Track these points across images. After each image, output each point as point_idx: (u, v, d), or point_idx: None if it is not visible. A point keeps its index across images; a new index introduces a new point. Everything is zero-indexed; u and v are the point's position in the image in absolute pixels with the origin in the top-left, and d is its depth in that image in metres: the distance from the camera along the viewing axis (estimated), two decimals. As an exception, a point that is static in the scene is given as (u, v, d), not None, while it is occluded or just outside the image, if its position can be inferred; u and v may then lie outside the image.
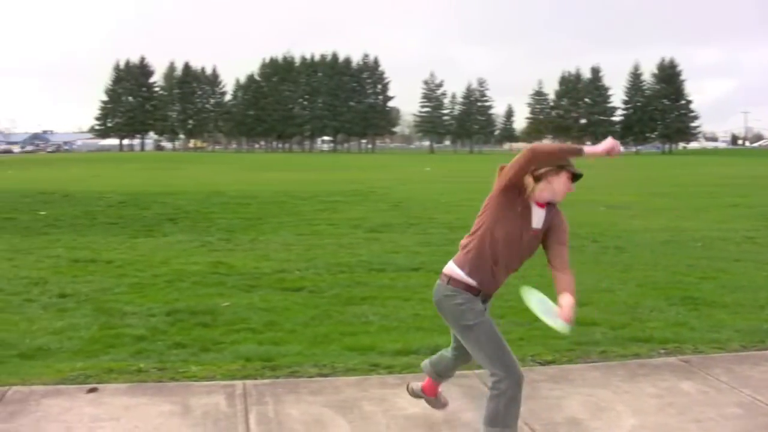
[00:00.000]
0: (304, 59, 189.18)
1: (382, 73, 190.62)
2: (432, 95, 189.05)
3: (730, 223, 22.09)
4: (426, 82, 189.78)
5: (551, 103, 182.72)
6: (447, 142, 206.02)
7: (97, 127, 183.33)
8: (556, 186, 5.30)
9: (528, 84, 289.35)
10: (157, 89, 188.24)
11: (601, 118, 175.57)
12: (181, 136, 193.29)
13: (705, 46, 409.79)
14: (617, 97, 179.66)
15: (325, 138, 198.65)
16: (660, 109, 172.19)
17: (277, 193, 32.48)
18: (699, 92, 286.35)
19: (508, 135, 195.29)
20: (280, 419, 6.30)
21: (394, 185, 39.61)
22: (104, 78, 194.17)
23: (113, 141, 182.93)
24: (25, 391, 6.84)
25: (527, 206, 5.29)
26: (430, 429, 6.23)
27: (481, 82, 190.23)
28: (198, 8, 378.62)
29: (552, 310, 5.22)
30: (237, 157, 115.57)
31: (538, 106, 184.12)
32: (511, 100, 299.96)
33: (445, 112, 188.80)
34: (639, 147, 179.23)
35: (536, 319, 9.76)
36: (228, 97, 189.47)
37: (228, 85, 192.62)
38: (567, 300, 5.18)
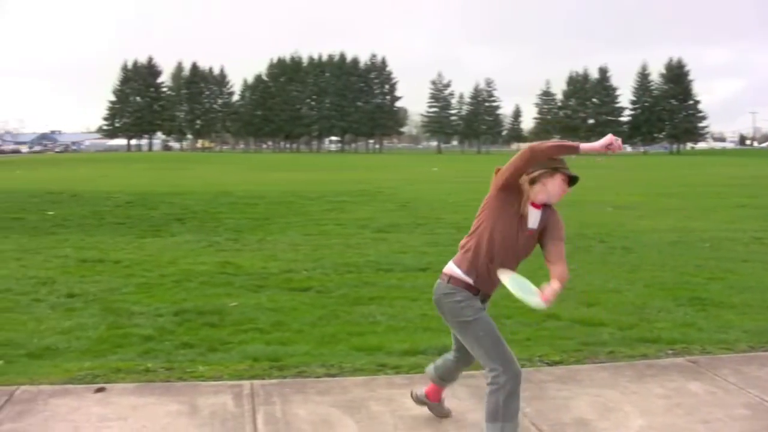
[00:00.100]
0: (311, 59, 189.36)
1: (390, 73, 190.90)
2: (440, 95, 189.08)
3: (738, 223, 22.04)
4: (434, 82, 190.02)
5: (559, 104, 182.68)
6: (454, 143, 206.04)
7: (105, 128, 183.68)
8: (551, 188, 5.37)
9: (536, 84, 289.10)
10: (164, 89, 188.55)
11: (609, 118, 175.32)
12: (189, 136, 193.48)
13: (713, 46, 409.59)
14: (625, 97, 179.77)
15: (333, 138, 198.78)
16: (668, 109, 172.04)
17: (284, 194, 32.49)
18: (707, 92, 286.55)
19: (516, 135, 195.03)
20: (287, 419, 6.30)
21: (402, 185, 39.60)
22: (112, 78, 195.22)
23: (121, 141, 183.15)
24: (33, 391, 6.85)
25: (524, 207, 5.36)
26: (437, 429, 6.23)
27: (488, 83, 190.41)
28: (206, 8, 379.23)
29: (530, 289, 5.27)
30: (245, 158, 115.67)
31: (545, 107, 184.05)
32: (519, 101, 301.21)
33: (452, 112, 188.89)
34: (647, 147, 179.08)
35: (544, 320, 9.80)
36: (236, 98, 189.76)
37: (236, 85, 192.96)
38: (553, 284, 5.24)
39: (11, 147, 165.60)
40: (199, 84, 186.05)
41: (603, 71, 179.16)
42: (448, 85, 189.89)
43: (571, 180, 5.45)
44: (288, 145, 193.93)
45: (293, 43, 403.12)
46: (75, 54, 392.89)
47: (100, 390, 6.89)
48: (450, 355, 6.08)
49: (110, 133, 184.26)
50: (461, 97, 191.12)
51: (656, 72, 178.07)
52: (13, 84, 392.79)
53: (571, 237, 17.60)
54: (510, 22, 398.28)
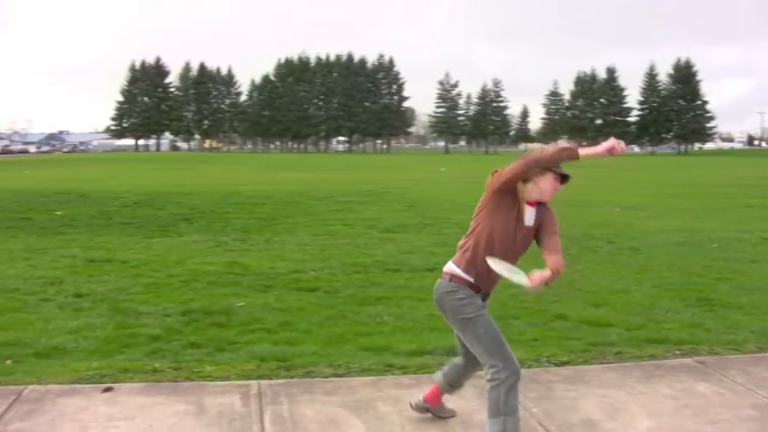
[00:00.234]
0: (319, 59, 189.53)
1: (398, 73, 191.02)
2: (447, 96, 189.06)
3: (746, 224, 22.01)
4: (441, 83, 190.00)
5: (566, 104, 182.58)
6: (462, 143, 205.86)
7: (112, 128, 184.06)
8: (543, 186, 5.48)
9: (543, 84, 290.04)
10: (172, 90, 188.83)
11: (617, 118, 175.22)
12: (197, 136, 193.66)
13: (721, 46, 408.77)
14: (633, 97, 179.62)
15: (341, 138, 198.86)
16: (676, 109, 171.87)
17: (292, 194, 32.51)
18: (715, 92, 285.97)
19: (524, 135, 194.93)
20: (294, 419, 6.30)
21: (409, 185, 39.61)
22: (120, 78, 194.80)
23: (129, 141, 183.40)
24: (41, 390, 6.86)
25: (519, 205, 5.50)
26: (444, 429, 6.23)
27: (496, 83, 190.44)
28: (213, 9, 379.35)
29: (518, 271, 5.39)
30: (252, 158, 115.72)
31: (553, 107, 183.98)
32: (527, 101, 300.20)
33: (460, 112, 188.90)
34: (654, 148, 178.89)
35: (551, 320, 9.79)
36: (243, 98, 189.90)
37: (243, 85, 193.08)
38: (545, 272, 5.34)
39: (19, 147, 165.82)
40: (207, 84, 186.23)
41: (611, 71, 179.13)
42: (455, 86, 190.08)
43: (563, 178, 5.55)
44: (295, 145, 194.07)
45: (301, 43, 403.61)
46: (83, 54, 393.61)
47: (107, 390, 6.90)
48: (458, 360, 6.11)
49: (118, 134, 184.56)
50: (469, 97, 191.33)
51: (664, 72, 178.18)
52: (22, 84, 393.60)
53: (579, 237, 17.62)
54: (517, 23, 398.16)
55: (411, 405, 6.41)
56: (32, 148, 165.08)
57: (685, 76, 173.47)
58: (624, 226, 20.97)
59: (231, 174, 54.30)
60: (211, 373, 7.54)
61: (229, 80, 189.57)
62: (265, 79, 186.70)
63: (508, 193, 5.46)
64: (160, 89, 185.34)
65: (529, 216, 5.56)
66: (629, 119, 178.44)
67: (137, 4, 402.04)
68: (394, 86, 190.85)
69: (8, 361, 7.89)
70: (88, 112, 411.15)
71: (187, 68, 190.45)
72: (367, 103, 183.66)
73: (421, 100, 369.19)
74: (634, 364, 8.04)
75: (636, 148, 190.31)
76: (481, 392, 6.59)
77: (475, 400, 6.67)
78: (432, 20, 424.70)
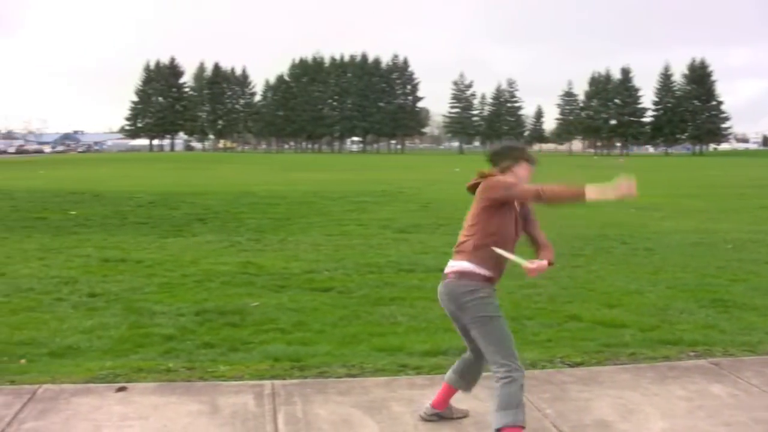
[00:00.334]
0: (333, 60, 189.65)
1: (412, 73, 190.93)
2: (461, 96, 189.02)
3: (762, 225, 21.95)
4: (455, 83, 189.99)
5: (581, 104, 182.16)
6: (476, 143, 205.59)
7: (127, 128, 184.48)
8: (520, 173, 5.92)
9: (558, 85, 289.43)
10: (187, 90, 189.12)
11: (631, 119, 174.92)
12: (211, 136, 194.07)
13: (737, 46, 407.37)
14: (647, 98, 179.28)
15: (355, 138, 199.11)
16: (690, 110, 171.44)
17: (306, 194, 32.53)
18: (730, 93, 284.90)
19: (538, 136, 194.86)
20: (308, 419, 6.30)
21: (423, 186, 39.59)
22: (134, 78, 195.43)
23: (143, 141, 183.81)
24: (55, 390, 6.88)
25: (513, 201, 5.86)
26: (458, 430, 6.22)
27: (510, 83, 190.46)
28: (228, 9, 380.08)
29: (522, 258, 5.73)
30: (266, 158, 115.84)
31: (567, 107, 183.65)
32: (541, 101, 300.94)
33: (474, 112, 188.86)
34: (669, 148, 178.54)
35: (565, 321, 9.79)
36: (258, 98, 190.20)
37: (258, 85, 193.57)
38: (544, 262, 5.79)
39: (34, 147, 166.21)
40: (221, 84, 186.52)
41: (625, 72, 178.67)
42: (470, 86, 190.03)
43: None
44: (310, 146, 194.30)
45: (315, 43, 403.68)
46: (98, 54, 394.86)
47: (121, 389, 6.92)
48: (468, 354, 6.18)
49: (132, 134, 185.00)
50: (483, 97, 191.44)
51: (679, 73, 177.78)
52: (37, 84, 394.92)
53: (594, 238, 17.62)
54: (532, 23, 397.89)
55: (422, 417, 6.38)
56: (47, 148, 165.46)
57: (700, 76, 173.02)
58: (638, 226, 20.93)
59: (245, 174, 54.35)
60: (225, 373, 7.55)
61: (243, 80, 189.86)
62: (280, 79, 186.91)
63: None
64: (174, 89, 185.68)
65: (516, 204, 5.90)
66: (644, 120, 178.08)
67: (152, 4, 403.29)
68: (409, 86, 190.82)
69: (23, 361, 7.92)
70: (103, 112, 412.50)
71: (201, 68, 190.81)
72: (381, 104, 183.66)
73: (435, 101, 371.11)
74: (648, 365, 8.02)
75: (650, 149, 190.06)
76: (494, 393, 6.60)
77: (489, 400, 6.66)
78: (446, 20, 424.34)
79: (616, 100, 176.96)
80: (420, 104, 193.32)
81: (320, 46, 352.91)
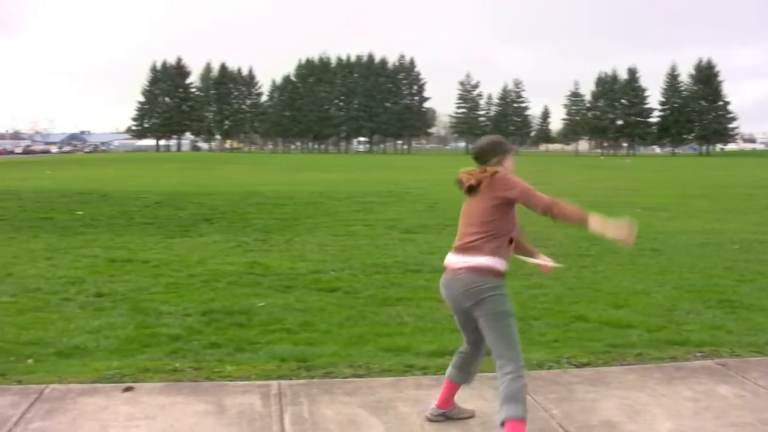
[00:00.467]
0: (340, 60, 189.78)
1: (418, 74, 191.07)
2: (468, 96, 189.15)
3: (769, 225, 21.90)
4: (462, 83, 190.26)
5: (587, 104, 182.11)
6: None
7: (133, 128, 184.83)
8: (508, 166, 6.06)
9: (564, 85, 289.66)
10: (193, 90, 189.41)
11: (638, 119, 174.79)
12: (218, 136, 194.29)
13: (744, 46, 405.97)
14: (654, 98, 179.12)
15: (361, 139, 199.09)
16: (697, 110, 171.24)
17: (312, 194, 32.53)
18: (737, 93, 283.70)
19: (545, 136, 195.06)
20: (314, 419, 6.31)
21: (430, 186, 39.56)
22: (141, 79, 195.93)
23: (150, 141, 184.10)
24: (62, 389, 6.89)
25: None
26: (464, 430, 6.22)
27: (517, 83, 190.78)
28: (234, 9, 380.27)
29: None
30: (273, 158, 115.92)
31: (574, 108, 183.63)
32: (547, 101, 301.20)
33: (481, 113, 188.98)
34: (675, 148, 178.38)
35: (572, 322, 9.77)
36: (264, 98, 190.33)
37: (264, 85, 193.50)
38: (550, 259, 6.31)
39: (41, 147, 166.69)
40: (228, 85, 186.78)
41: (632, 72, 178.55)
42: (476, 86, 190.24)
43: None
44: (316, 146, 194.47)
45: (321, 43, 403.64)
46: (105, 55, 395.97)
47: (128, 389, 6.92)
48: (464, 347, 6.27)
49: (139, 134, 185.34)
50: (489, 97, 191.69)
51: (686, 73, 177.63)
52: (44, 84, 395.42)
53: (600, 238, 17.51)
54: (538, 23, 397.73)
55: (428, 418, 6.39)
56: (54, 148, 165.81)
57: (706, 76, 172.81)
58: (645, 227, 20.86)
59: (252, 174, 54.38)
60: (232, 373, 7.56)
61: (250, 81, 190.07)
62: (286, 79, 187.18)
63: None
64: (181, 89, 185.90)
65: None
66: (650, 120, 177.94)
67: (159, 4, 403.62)
68: (415, 87, 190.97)
69: (30, 361, 7.93)
70: (110, 112, 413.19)
71: (208, 69, 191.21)
72: (387, 104, 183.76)
73: (441, 101, 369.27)
74: (654, 366, 8.01)
75: (657, 149, 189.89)
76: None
77: (495, 400, 6.66)
78: (453, 21, 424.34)
79: (623, 101, 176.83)
80: (426, 104, 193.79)
81: (327, 46, 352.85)
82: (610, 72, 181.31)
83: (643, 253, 16.02)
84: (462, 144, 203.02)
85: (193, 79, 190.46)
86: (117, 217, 22.46)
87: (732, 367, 7.93)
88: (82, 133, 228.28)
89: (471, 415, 6.42)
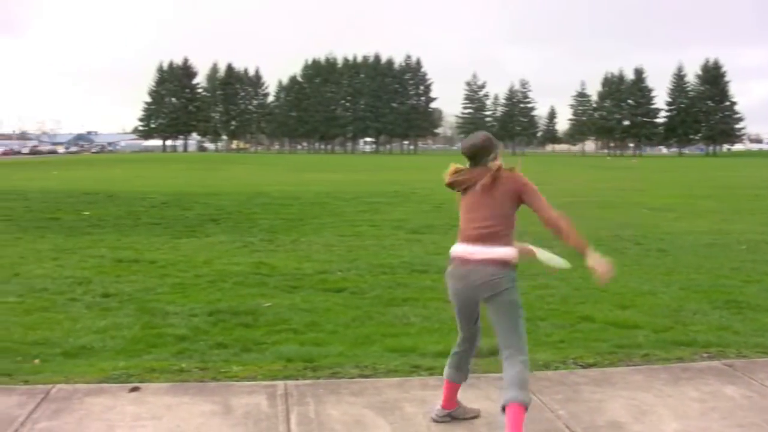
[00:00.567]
0: (346, 60, 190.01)
1: (425, 74, 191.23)
2: (474, 96, 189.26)
3: (776, 225, 21.86)
4: (468, 84, 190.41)
5: (594, 105, 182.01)
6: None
7: (140, 128, 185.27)
8: (499, 162, 6.12)
9: (570, 85, 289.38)
10: (200, 90, 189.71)
11: (644, 119, 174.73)
12: (224, 137, 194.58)
13: (750, 46, 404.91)
14: (660, 98, 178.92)
15: (368, 139, 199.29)
16: (704, 110, 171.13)
17: (319, 194, 32.55)
18: (744, 93, 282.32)
19: (551, 137, 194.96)
20: (321, 420, 6.31)
21: (436, 186, 39.29)
22: (148, 79, 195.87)
23: (156, 142, 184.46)
24: (68, 390, 6.90)
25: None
26: (470, 431, 6.22)
27: (523, 84, 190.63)
28: (241, 10, 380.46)
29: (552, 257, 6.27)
30: (279, 158, 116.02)
31: (580, 108, 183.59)
32: (554, 102, 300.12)
33: (487, 113, 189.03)
34: (682, 149, 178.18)
35: (578, 322, 9.75)
36: (271, 99, 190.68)
37: (271, 86, 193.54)
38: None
39: (48, 147, 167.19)
40: (234, 85, 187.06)
41: (638, 72, 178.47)
42: (482, 87, 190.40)
43: None
44: (323, 146, 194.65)
45: (328, 44, 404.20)
46: (111, 55, 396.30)
47: (134, 389, 6.93)
48: (460, 347, 6.29)
49: (146, 134, 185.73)
50: (496, 98, 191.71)
51: (692, 73, 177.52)
52: (50, 85, 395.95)
53: (606, 239, 17.56)
54: (545, 23, 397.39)
55: (434, 419, 6.38)
56: (60, 149, 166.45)
57: (713, 76, 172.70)
58: (652, 227, 20.88)
59: (258, 175, 54.43)
60: (238, 374, 7.56)
61: (256, 81, 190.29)
62: (293, 80, 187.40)
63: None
64: (187, 90, 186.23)
65: None
66: (657, 120, 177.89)
67: (166, 5, 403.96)
68: (422, 87, 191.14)
69: (36, 361, 7.95)
70: (116, 112, 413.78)
71: (214, 69, 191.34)
72: (394, 104, 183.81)
73: (448, 101, 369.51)
74: (661, 367, 7.99)
75: (664, 150, 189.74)
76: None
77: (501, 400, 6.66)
78: (459, 21, 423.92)
79: (629, 101, 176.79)
80: (433, 105, 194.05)
81: (333, 46, 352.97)
82: (616, 72, 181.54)
83: (649, 253, 16.01)
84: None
85: (200, 79, 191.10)
86: (123, 217, 22.49)
87: (739, 367, 7.92)
88: (89, 133, 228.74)
89: (476, 415, 6.41)
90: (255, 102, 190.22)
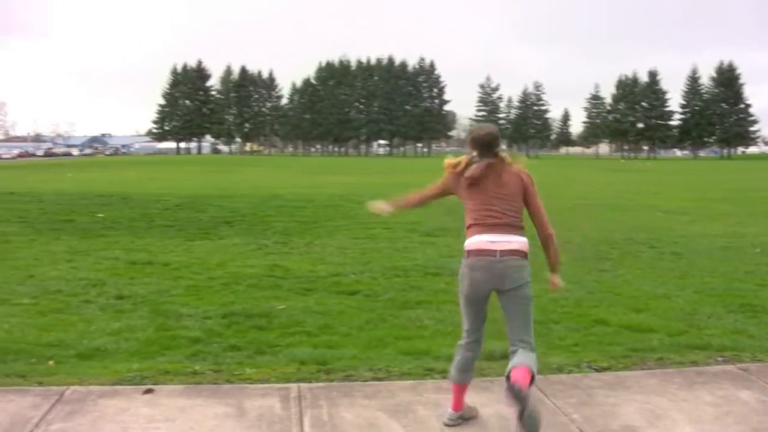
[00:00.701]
0: (360, 63, 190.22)
1: (438, 76, 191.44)
2: (488, 99, 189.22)
3: (790, 229, 21.77)
4: (482, 86, 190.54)
5: (608, 107, 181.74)
6: (503, 146, 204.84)
7: (154, 131, 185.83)
8: None
9: (585, 88, 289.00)
10: (213, 93, 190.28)
11: (658, 122, 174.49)
12: (238, 139, 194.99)
13: (766, 49, 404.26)
14: (675, 101, 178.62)
15: (381, 141, 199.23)
16: (718, 113, 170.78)
17: (332, 197, 32.53)
18: (759, 96, 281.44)
19: (565, 139, 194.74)
20: (334, 422, 6.31)
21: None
22: (162, 82, 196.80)
23: (170, 144, 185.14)
24: (82, 391, 6.91)
25: None
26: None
27: (537, 86, 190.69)
28: (255, 12, 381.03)
29: None
30: (293, 161, 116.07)
31: (594, 110, 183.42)
32: (568, 104, 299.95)
33: (501, 116, 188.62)
34: (697, 152, 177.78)
35: (592, 325, 9.72)
36: (284, 101, 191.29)
37: (284, 88, 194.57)
38: None
39: (62, 150, 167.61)
40: (248, 87, 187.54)
41: (653, 75, 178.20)
42: (496, 89, 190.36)
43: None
44: (336, 149, 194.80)
45: (341, 46, 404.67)
46: (125, 57, 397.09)
47: (148, 391, 6.94)
48: (470, 351, 6.28)
49: (160, 137, 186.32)
50: (510, 100, 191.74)
51: (707, 75, 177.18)
52: (65, 87, 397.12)
53: (620, 242, 17.53)
54: (558, 26, 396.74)
55: (446, 424, 6.36)
56: (75, 151, 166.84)
57: (728, 79, 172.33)
58: (666, 230, 20.83)
59: (272, 177, 54.45)
60: (251, 376, 7.57)
61: (270, 83, 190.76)
62: (306, 82, 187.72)
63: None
64: (201, 92, 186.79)
65: None
66: (671, 123, 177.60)
67: (180, 7, 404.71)
68: (435, 89, 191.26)
69: (50, 362, 7.96)
70: (130, 115, 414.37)
71: (228, 72, 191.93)
72: (407, 107, 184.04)
73: (461, 104, 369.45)
74: (675, 371, 7.97)
75: (678, 152, 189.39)
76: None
77: (513, 405, 6.64)
78: (473, 23, 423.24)
79: (643, 103, 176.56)
80: (446, 107, 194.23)
81: (347, 49, 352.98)
82: (630, 74, 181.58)
83: (663, 256, 15.97)
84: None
85: (214, 81, 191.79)
86: (137, 219, 22.52)
87: (753, 371, 7.89)
88: (103, 135, 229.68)
89: (476, 413, 6.43)
90: (269, 104, 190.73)
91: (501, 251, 5.87)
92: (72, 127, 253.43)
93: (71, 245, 16.66)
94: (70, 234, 18.73)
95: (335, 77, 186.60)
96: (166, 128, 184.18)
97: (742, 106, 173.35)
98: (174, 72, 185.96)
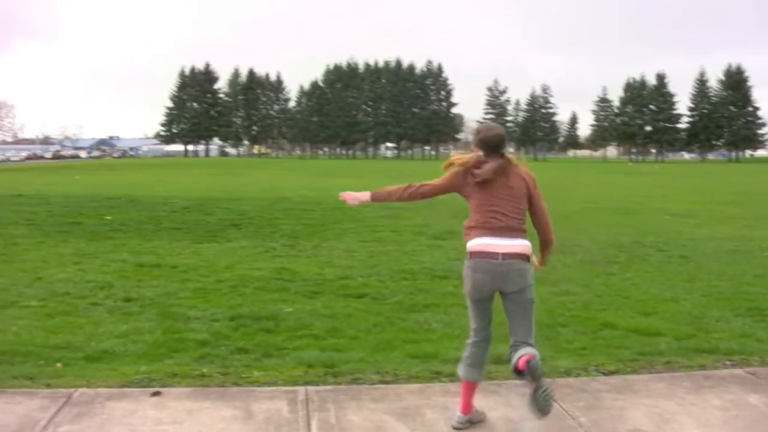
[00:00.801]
0: (367, 65, 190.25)
1: (446, 79, 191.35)
2: (496, 102, 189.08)
3: (799, 232, 21.73)
4: (490, 89, 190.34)
5: (616, 110, 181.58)
6: (510, 149, 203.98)
7: (162, 133, 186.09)
8: None
9: (592, 90, 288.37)
10: (221, 95, 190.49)
11: (666, 125, 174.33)
12: (246, 142, 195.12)
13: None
14: (683, 104, 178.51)
15: (389, 144, 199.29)
16: (726, 116, 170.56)
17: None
18: (767, 99, 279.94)
19: (573, 142, 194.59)
20: (342, 426, 6.30)
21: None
22: (170, 84, 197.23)
23: (178, 147, 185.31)
24: (90, 394, 6.92)
25: None
26: (492, 436, 6.21)
27: (545, 89, 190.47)
28: (262, 15, 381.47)
29: None
30: (301, 163, 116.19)
31: (602, 113, 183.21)
32: (576, 107, 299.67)
33: (508, 118, 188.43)
34: (705, 154, 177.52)
35: (600, 329, 9.71)
36: (292, 104, 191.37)
37: (292, 91, 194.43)
38: None
39: (70, 152, 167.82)
40: (256, 90, 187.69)
41: (660, 77, 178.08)
42: (504, 92, 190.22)
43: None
44: (344, 151, 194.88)
45: (349, 49, 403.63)
46: (133, 60, 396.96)
47: (156, 394, 6.94)
48: (481, 348, 6.33)
49: (167, 139, 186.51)
50: (517, 103, 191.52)
51: (714, 78, 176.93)
52: (73, 90, 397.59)
53: (628, 245, 17.51)
54: (567, 29, 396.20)
55: (455, 428, 6.35)
56: (83, 153, 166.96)
57: (736, 82, 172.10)
58: (674, 233, 20.80)
59: (280, 180, 54.48)
60: (259, 379, 7.57)
61: (277, 86, 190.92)
62: (314, 85, 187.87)
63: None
64: (209, 95, 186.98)
65: None
66: (679, 126, 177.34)
67: (188, 10, 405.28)
68: (443, 92, 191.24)
69: (58, 365, 7.97)
70: (139, 117, 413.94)
71: (236, 74, 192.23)
72: (415, 109, 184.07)
73: (469, 107, 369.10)
74: (683, 374, 7.95)
75: (686, 155, 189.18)
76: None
77: (521, 407, 6.64)
78: (481, 26, 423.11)
79: (651, 106, 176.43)
80: (454, 110, 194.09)
81: (354, 52, 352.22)
82: (638, 77, 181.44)
83: (671, 260, 15.95)
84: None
85: (222, 84, 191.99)
86: (145, 222, 22.53)
87: (762, 375, 7.87)
88: (111, 138, 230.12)
89: (484, 417, 6.42)
90: (276, 107, 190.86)
91: (503, 254, 5.88)
92: (80, 129, 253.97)
93: (79, 248, 16.68)
94: (78, 236, 18.75)
95: (343, 80, 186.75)
96: (174, 131, 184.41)
97: (750, 109, 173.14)
98: (182, 74, 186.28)
